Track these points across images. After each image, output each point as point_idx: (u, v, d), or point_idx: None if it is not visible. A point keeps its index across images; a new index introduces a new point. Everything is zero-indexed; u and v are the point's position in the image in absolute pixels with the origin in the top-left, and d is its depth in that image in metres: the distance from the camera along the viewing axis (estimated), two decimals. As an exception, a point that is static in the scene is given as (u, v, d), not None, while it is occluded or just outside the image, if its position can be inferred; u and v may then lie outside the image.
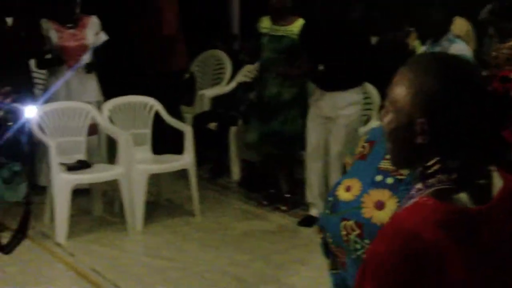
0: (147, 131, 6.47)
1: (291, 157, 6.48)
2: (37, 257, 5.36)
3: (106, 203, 6.38)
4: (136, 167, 5.95)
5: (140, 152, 6.27)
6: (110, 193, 6.44)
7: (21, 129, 2.26)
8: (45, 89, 6.52)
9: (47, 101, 6.01)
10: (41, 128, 5.86)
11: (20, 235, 2.52)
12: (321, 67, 5.71)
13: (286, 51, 6.15)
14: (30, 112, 2.27)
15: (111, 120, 6.31)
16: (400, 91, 1.61)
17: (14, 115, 2.23)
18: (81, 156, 6.08)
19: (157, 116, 6.50)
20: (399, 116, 1.61)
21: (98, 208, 6.28)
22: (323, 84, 5.81)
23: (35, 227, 5.78)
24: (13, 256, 5.08)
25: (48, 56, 6.51)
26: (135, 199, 5.91)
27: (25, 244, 5.41)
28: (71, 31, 6.46)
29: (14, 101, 2.26)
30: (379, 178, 2.53)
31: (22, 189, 2.48)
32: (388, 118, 1.65)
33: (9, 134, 2.26)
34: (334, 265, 2.66)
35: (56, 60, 6.45)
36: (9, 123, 2.23)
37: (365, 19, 6.16)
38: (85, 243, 5.65)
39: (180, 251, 5.58)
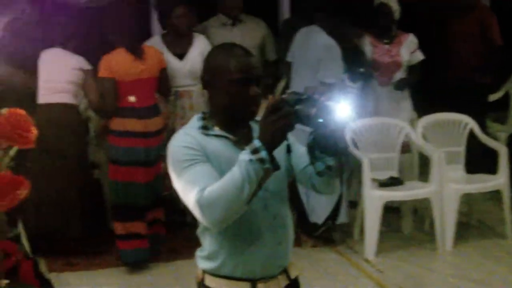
0: (461, 149, 6.34)
1: None
2: (345, 272, 5.47)
3: (416, 221, 6.37)
4: (448, 186, 5.86)
5: (453, 170, 6.15)
6: (420, 211, 6.41)
7: (336, 127, 2.37)
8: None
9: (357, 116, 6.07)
10: (354, 143, 5.99)
11: (329, 221, 2.63)
12: None
13: None
14: (343, 111, 2.35)
15: (424, 137, 6.26)
16: None
17: (326, 112, 2.34)
18: (394, 173, 6.11)
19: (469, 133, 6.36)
20: None
21: (407, 225, 6.27)
22: None
23: (345, 242, 5.95)
24: (322, 270, 5.31)
25: (361, 70, 6.51)
26: (446, 219, 5.83)
27: (334, 258, 5.63)
28: (386, 46, 6.45)
29: (328, 99, 2.36)
30: None
31: (335, 184, 2.60)
32: None
33: (322, 129, 2.39)
34: None
35: (368, 75, 6.47)
36: (320, 120, 2.34)
37: None
38: (394, 260, 5.66)
39: (490, 274, 5.43)
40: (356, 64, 6.37)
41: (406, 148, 6.28)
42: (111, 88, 5.43)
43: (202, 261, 2.72)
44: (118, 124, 5.49)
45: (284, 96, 2.39)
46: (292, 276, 2.74)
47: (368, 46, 6.48)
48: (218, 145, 2.57)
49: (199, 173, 2.46)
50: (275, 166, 2.35)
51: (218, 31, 6.40)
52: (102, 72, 5.46)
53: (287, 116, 2.33)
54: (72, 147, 5.76)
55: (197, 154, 2.51)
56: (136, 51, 5.50)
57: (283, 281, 2.70)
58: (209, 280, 2.68)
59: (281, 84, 6.94)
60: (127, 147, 5.47)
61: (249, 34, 6.27)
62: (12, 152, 2.45)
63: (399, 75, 6.44)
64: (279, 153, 2.42)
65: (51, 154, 5.55)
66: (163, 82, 5.70)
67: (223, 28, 6.44)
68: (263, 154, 2.31)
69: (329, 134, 2.40)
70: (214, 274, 2.66)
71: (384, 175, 6.00)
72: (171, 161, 2.55)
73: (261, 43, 6.58)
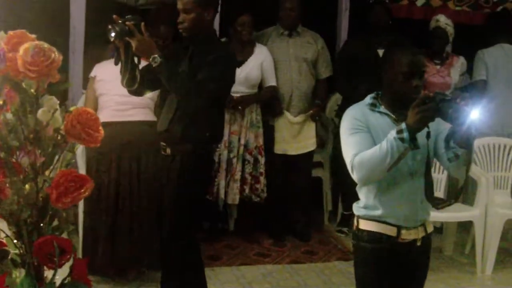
0: (509, 175, 6.27)
1: None
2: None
3: (457, 244, 6.34)
4: (494, 211, 5.81)
5: (500, 195, 6.10)
6: (462, 234, 6.39)
7: (467, 126, 2.94)
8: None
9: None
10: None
11: (452, 200, 3.49)
12: None
13: None
14: (474, 114, 2.92)
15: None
16: None
17: (461, 113, 2.93)
18: (439, 194, 6.05)
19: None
20: None
21: (449, 247, 6.25)
22: None
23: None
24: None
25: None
26: (488, 243, 5.79)
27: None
28: (437, 67, 6.55)
29: (466, 104, 2.96)
30: None
31: (463, 171, 3.20)
32: None
33: (457, 126, 2.99)
34: None
35: None
36: (456, 118, 2.94)
37: None
38: (432, 282, 5.50)
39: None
40: None
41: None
42: None
43: (358, 209, 3.42)
44: None
45: (431, 94, 3.04)
46: (428, 230, 3.42)
47: None
48: (380, 120, 3.29)
49: (358, 140, 3.21)
50: (415, 146, 3.04)
51: (275, 41, 6.30)
52: None
53: (429, 110, 2.99)
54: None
55: (360, 124, 3.25)
56: None
57: (421, 233, 3.38)
58: (363, 224, 3.38)
59: (332, 99, 6.94)
60: None
61: (303, 47, 6.22)
62: (76, 149, 2.52)
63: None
64: (422, 136, 3.09)
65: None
66: None
67: (279, 38, 6.31)
68: (405, 135, 3.01)
69: (462, 130, 2.97)
70: (368, 218, 3.35)
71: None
72: (341, 127, 3.33)
73: (314, 58, 6.36)
